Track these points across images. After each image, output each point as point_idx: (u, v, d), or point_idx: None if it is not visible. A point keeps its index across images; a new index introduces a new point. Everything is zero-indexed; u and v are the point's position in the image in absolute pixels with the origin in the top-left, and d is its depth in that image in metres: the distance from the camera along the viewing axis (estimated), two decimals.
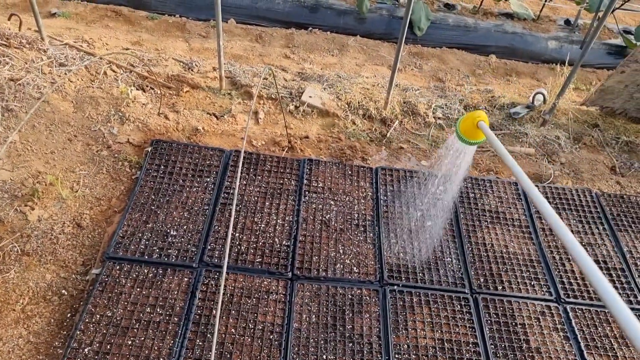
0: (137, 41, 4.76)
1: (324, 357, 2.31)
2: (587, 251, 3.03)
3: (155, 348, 2.22)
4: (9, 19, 4.15)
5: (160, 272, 2.53)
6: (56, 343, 2.29)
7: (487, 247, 2.95)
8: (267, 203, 2.97)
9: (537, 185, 3.45)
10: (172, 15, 5.36)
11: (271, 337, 2.34)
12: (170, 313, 2.36)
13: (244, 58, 4.78)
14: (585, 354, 2.50)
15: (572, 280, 2.84)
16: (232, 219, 1.51)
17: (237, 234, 2.76)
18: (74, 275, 2.56)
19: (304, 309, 2.48)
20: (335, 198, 3.07)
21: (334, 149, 3.58)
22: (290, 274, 2.61)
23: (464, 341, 2.47)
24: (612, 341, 2.58)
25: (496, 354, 2.44)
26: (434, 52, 5.45)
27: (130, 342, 2.23)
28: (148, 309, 2.36)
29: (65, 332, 2.33)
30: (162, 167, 3.08)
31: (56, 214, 2.78)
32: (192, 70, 4.13)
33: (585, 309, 2.71)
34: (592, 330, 2.61)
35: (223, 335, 2.31)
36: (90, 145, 3.22)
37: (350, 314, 2.48)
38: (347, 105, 3.95)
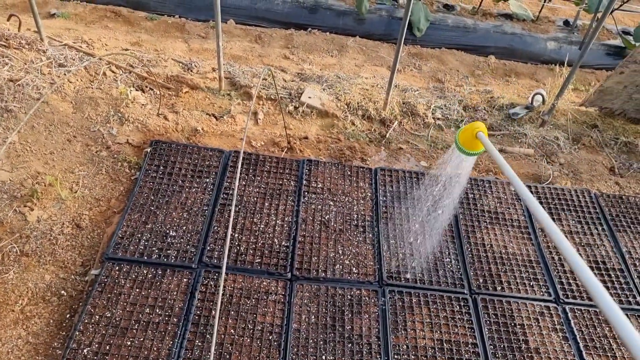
0: (137, 42, 4.76)
1: (323, 357, 2.31)
2: (586, 251, 3.05)
3: (155, 349, 2.22)
4: (8, 20, 4.15)
5: (160, 272, 2.53)
6: (55, 344, 2.29)
7: (486, 247, 2.95)
8: (266, 204, 2.97)
9: (536, 186, 3.45)
10: (171, 16, 5.37)
11: (270, 337, 2.34)
12: (170, 314, 2.36)
13: (244, 59, 4.79)
14: (584, 354, 2.50)
15: (571, 281, 2.84)
16: (232, 219, 1.51)
17: (236, 235, 2.76)
18: (73, 276, 2.56)
19: (303, 309, 2.48)
20: (335, 199, 3.07)
21: (333, 149, 3.58)
22: (289, 275, 2.61)
23: (463, 342, 2.47)
24: (611, 341, 2.58)
25: (495, 354, 2.44)
26: (433, 53, 5.45)
27: (129, 343, 2.23)
28: (147, 310, 2.36)
29: (64, 333, 2.33)
30: (162, 167, 3.08)
31: (55, 215, 2.78)
32: (191, 70, 4.13)
33: (584, 310, 2.71)
34: (591, 330, 2.62)
35: (222, 336, 2.31)
36: (90, 145, 3.22)
37: (350, 315, 2.48)
38: (346, 106, 3.96)
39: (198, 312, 2.39)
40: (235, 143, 3.48)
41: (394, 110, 3.98)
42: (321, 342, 2.36)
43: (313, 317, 2.45)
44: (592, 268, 2.97)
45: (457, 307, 2.61)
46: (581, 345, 2.54)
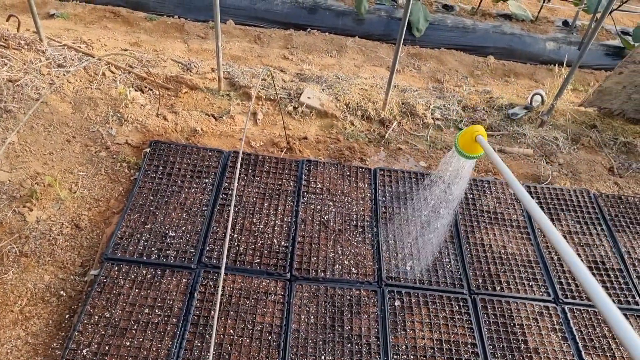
0: (136, 42, 4.76)
1: (323, 357, 2.31)
2: (585, 252, 3.05)
3: (154, 349, 2.22)
4: (7, 20, 4.15)
5: (159, 273, 2.53)
6: (54, 344, 2.29)
7: (486, 247, 2.96)
8: (265, 204, 2.97)
9: (535, 186, 3.46)
10: (170, 16, 5.36)
11: (269, 337, 2.34)
12: (169, 314, 2.36)
13: (243, 59, 4.79)
14: (584, 354, 2.50)
15: (570, 281, 2.84)
16: (231, 219, 1.51)
17: (235, 235, 2.76)
18: (72, 277, 2.56)
19: (303, 309, 2.48)
20: (334, 199, 3.08)
21: (333, 149, 3.59)
22: (288, 275, 2.61)
23: (462, 342, 2.47)
24: (610, 341, 2.58)
25: (494, 354, 2.44)
26: (432, 53, 5.46)
27: (128, 343, 2.23)
28: (146, 310, 2.36)
29: (63, 333, 2.33)
30: (161, 168, 3.08)
31: (54, 215, 2.78)
32: (190, 71, 4.13)
33: (584, 310, 2.71)
34: (590, 330, 2.62)
35: (221, 336, 2.31)
36: (89, 146, 3.22)
37: (349, 315, 2.49)
38: (345, 106, 3.96)
39: (197, 312, 2.39)
40: (235, 143, 3.48)
41: (393, 111, 3.98)
42: (320, 343, 2.36)
43: (312, 317, 2.45)
44: (591, 268, 2.97)
45: (457, 307, 2.61)
46: (580, 345, 2.54)
